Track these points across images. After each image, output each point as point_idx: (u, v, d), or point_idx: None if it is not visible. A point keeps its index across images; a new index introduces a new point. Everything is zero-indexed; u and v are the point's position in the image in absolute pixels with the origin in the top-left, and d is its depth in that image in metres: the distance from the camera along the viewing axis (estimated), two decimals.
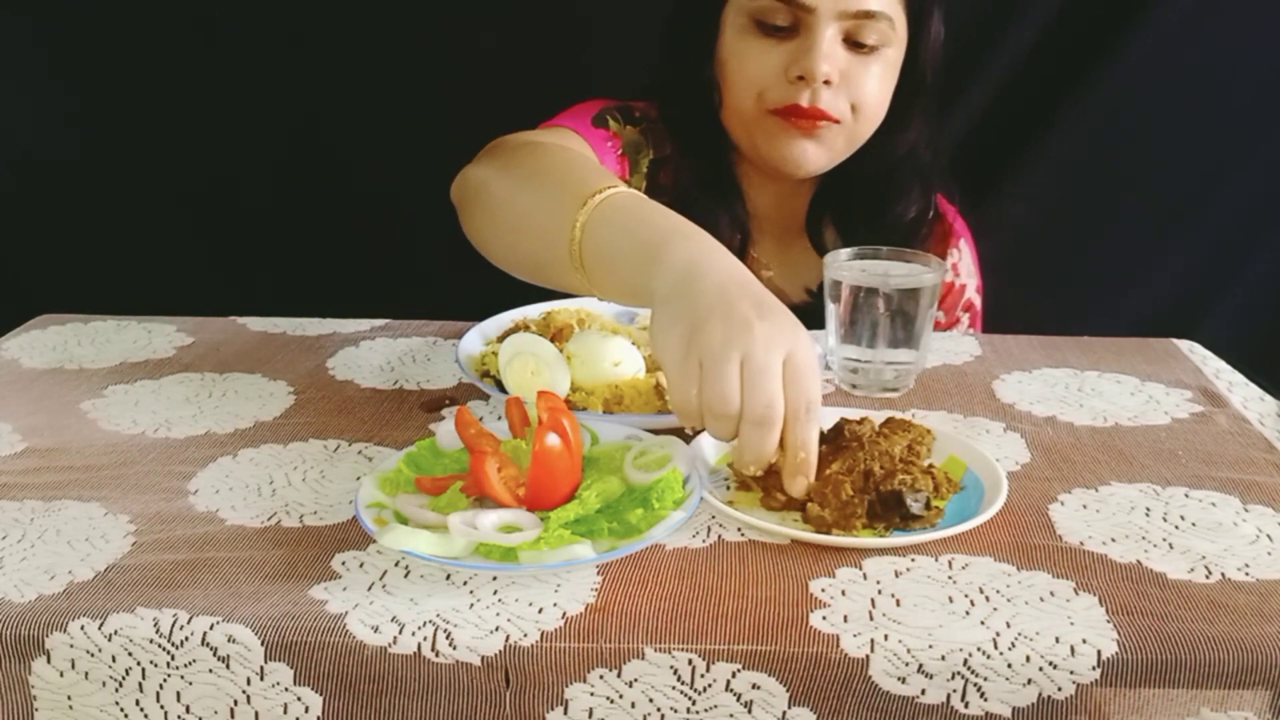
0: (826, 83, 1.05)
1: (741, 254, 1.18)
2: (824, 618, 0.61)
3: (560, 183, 0.84)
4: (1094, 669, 0.58)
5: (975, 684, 0.58)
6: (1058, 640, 0.59)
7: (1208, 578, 0.66)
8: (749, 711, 0.59)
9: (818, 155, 1.10)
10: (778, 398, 0.68)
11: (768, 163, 1.12)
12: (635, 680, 0.59)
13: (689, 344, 0.69)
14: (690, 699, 0.59)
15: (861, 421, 0.78)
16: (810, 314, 1.04)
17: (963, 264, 1.22)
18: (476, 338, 0.96)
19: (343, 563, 0.66)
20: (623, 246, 0.77)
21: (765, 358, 0.67)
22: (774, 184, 1.17)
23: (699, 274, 0.72)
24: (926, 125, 1.15)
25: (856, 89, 1.07)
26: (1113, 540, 0.70)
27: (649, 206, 0.80)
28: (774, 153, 1.10)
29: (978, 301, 1.24)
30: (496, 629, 0.60)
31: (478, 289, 1.09)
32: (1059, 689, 0.58)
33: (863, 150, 1.13)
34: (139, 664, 0.60)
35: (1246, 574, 0.66)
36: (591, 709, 0.59)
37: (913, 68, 1.11)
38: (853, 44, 1.06)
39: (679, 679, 0.59)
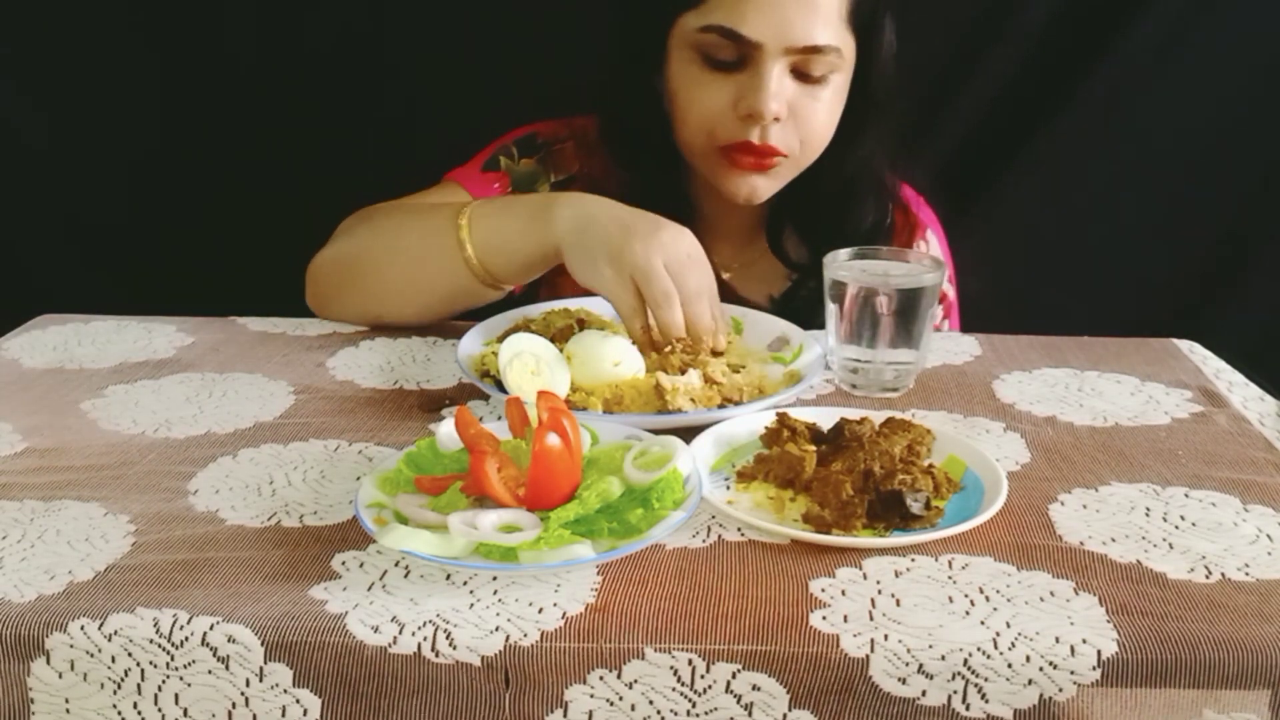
0: (776, 119, 1.04)
1: None
2: (824, 618, 0.61)
3: (428, 221, 1.02)
4: (1094, 669, 0.58)
5: (975, 684, 0.58)
6: (1058, 640, 0.59)
7: (1208, 578, 0.66)
8: (749, 714, 0.59)
9: (768, 188, 1.10)
10: (700, 279, 0.90)
11: (718, 191, 1.11)
12: (635, 681, 0.59)
13: (617, 267, 0.89)
14: (690, 701, 0.59)
15: (861, 421, 0.78)
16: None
17: (931, 253, 1.22)
18: (476, 338, 0.96)
19: (343, 563, 0.66)
20: (509, 230, 0.97)
21: (678, 253, 0.89)
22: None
23: (592, 216, 0.92)
24: (881, 137, 1.14)
25: (805, 122, 1.06)
26: (1113, 540, 0.70)
27: (505, 200, 1.04)
28: (725, 186, 1.10)
29: (951, 292, 1.24)
30: (496, 629, 0.60)
31: None
32: (1059, 689, 0.58)
33: (816, 166, 1.12)
34: (138, 665, 0.60)
35: (1246, 574, 0.66)
36: (591, 711, 0.59)
37: (863, 86, 1.10)
38: (801, 75, 1.04)
39: (679, 680, 0.59)
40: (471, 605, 0.62)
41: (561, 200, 0.95)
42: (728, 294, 1.19)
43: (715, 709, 0.59)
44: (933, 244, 1.23)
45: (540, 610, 0.61)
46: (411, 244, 1.02)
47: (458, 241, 0.98)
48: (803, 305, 1.14)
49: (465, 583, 0.64)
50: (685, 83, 1.06)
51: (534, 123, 1.20)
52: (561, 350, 0.88)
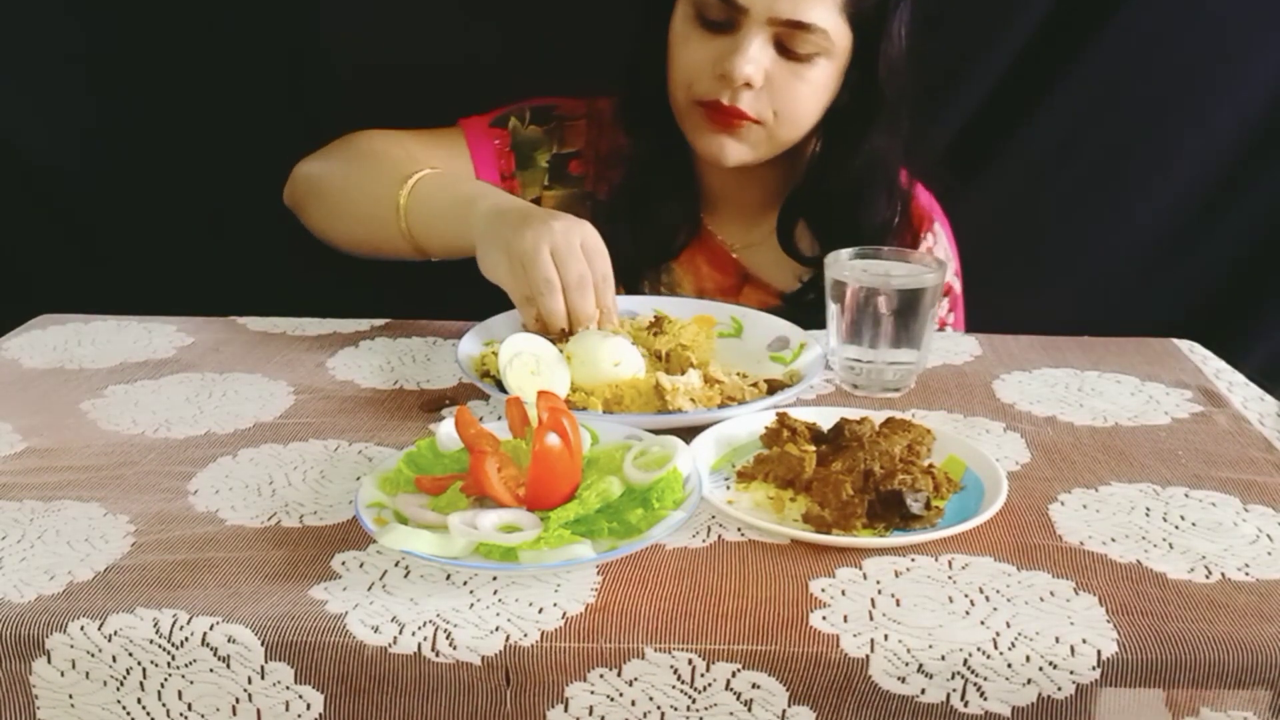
0: (748, 85, 1.06)
1: (690, 238, 1.21)
2: (824, 618, 0.61)
3: (387, 173, 1.08)
4: (1094, 669, 0.58)
5: (975, 684, 0.58)
6: (1058, 640, 0.59)
7: (1208, 578, 0.66)
8: (749, 710, 0.59)
9: (738, 151, 1.11)
10: (586, 268, 0.92)
11: (696, 152, 1.14)
12: (635, 680, 0.59)
13: (509, 256, 0.92)
14: (690, 698, 0.59)
15: (861, 421, 0.78)
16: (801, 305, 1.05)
17: (938, 248, 1.22)
18: (476, 338, 0.96)
19: (343, 563, 0.66)
20: (437, 214, 1.03)
21: (567, 242, 0.91)
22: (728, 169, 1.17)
23: (502, 212, 0.96)
24: (891, 135, 1.14)
25: (780, 95, 1.08)
26: (1113, 540, 0.70)
27: (451, 180, 1.08)
28: (698, 144, 1.13)
29: (957, 285, 1.24)
30: (496, 629, 0.60)
31: (478, 289, 1.09)
32: (1059, 689, 0.58)
33: (824, 163, 1.15)
34: (139, 664, 0.60)
35: (1246, 574, 0.66)
36: (592, 707, 0.59)
37: (868, 81, 1.11)
38: (785, 50, 1.06)
39: (679, 678, 0.59)
40: (471, 605, 0.62)
41: (484, 196, 1.00)
42: (737, 272, 1.20)
43: (715, 704, 0.59)
44: (940, 238, 1.23)
45: (540, 610, 0.62)
46: (367, 188, 1.10)
47: (397, 207, 1.05)
48: (812, 306, 1.14)
49: (465, 583, 0.64)
50: (679, 38, 1.11)
51: (560, 97, 1.25)
52: (561, 350, 0.88)
